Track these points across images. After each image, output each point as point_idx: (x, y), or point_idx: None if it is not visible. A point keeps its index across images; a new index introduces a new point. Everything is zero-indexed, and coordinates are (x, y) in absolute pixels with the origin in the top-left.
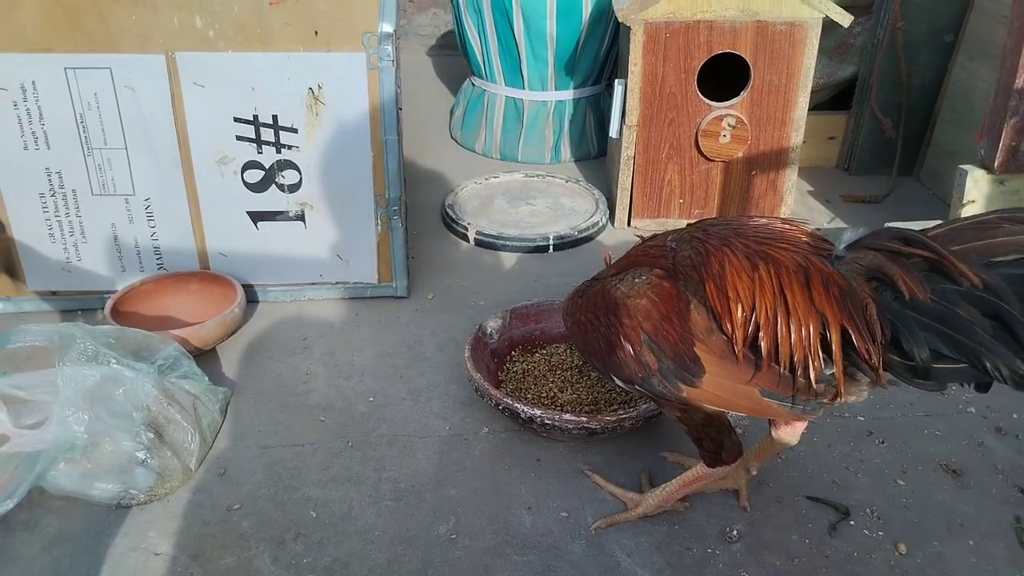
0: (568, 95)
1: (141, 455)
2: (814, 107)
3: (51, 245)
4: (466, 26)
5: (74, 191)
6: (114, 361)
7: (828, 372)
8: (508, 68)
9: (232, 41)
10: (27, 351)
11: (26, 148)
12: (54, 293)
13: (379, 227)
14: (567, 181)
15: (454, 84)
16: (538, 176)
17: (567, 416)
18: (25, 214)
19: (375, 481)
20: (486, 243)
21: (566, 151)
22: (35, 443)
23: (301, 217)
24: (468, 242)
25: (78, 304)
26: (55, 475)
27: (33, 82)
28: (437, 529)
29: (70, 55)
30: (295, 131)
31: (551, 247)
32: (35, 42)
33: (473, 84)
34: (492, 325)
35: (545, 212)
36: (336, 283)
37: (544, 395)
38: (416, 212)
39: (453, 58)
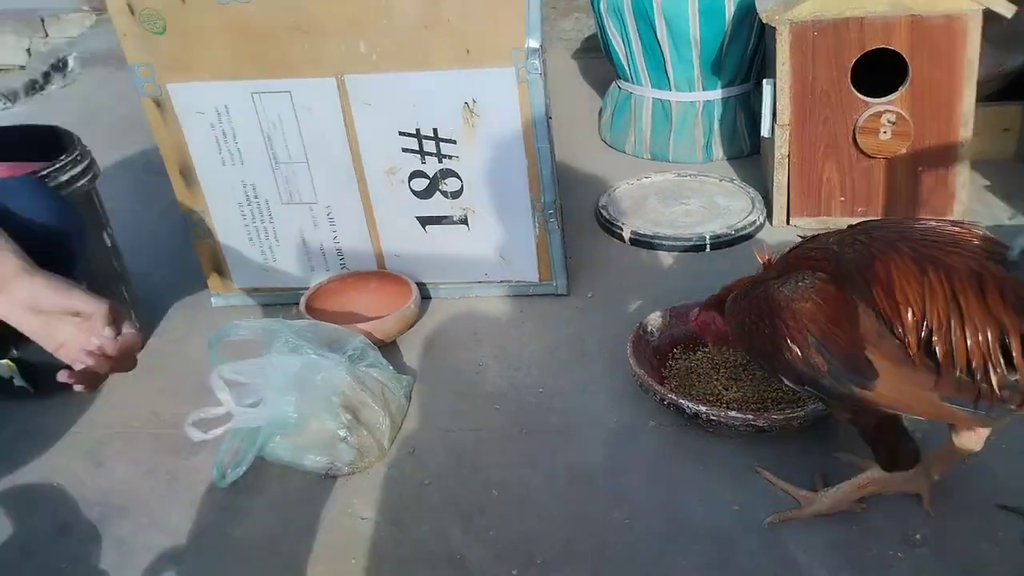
0: (716, 95)
1: (342, 433)
2: (984, 98)
3: (251, 248)
4: (609, 31)
5: (266, 201)
6: (312, 352)
7: (1012, 378)
8: (653, 71)
9: (393, 63)
10: (240, 343)
11: (224, 164)
12: (256, 290)
13: (537, 229)
14: (721, 180)
15: (601, 86)
16: (690, 175)
17: (733, 413)
18: (228, 222)
19: (550, 466)
20: (642, 242)
21: (718, 150)
22: (255, 419)
23: (464, 221)
24: (623, 242)
25: (276, 299)
26: (273, 447)
27: (226, 106)
28: (612, 514)
29: (255, 81)
30: (454, 142)
31: (708, 246)
32: (226, 71)
33: (619, 87)
34: (653, 323)
35: (700, 211)
36: (500, 281)
37: (709, 392)
38: (572, 213)
39: (598, 60)
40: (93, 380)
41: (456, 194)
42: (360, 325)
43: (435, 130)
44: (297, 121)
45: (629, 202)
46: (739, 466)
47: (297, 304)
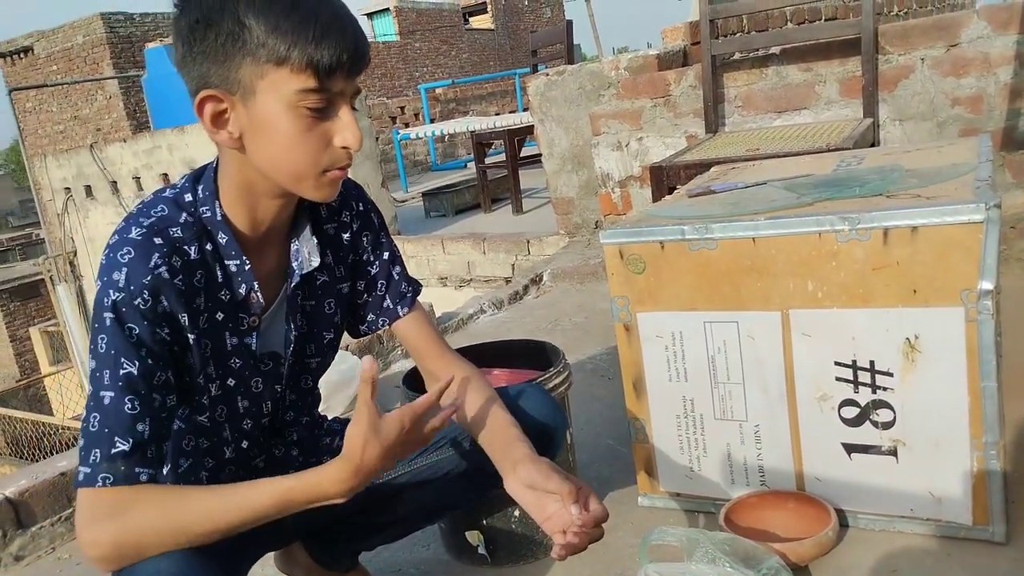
0: None
1: None
2: None
3: (679, 455)
4: None
5: (701, 415)
6: (728, 565)
7: None
8: None
9: (837, 300)
10: (664, 547)
11: (670, 380)
12: (679, 495)
13: (975, 469)
14: None
15: None
16: None
17: None
18: (663, 430)
19: None
20: None
21: None
22: None
23: (893, 452)
24: None
25: (696, 506)
26: None
27: (680, 332)
28: None
29: (708, 312)
30: (890, 375)
31: None
32: (685, 303)
33: None
34: None
35: None
36: (927, 519)
37: None
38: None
39: None
40: (572, 550)
41: (887, 425)
42: (775, 545)
43: (872, 362)
44: (740, 347)
45: None
46: None
47: (714, 513)
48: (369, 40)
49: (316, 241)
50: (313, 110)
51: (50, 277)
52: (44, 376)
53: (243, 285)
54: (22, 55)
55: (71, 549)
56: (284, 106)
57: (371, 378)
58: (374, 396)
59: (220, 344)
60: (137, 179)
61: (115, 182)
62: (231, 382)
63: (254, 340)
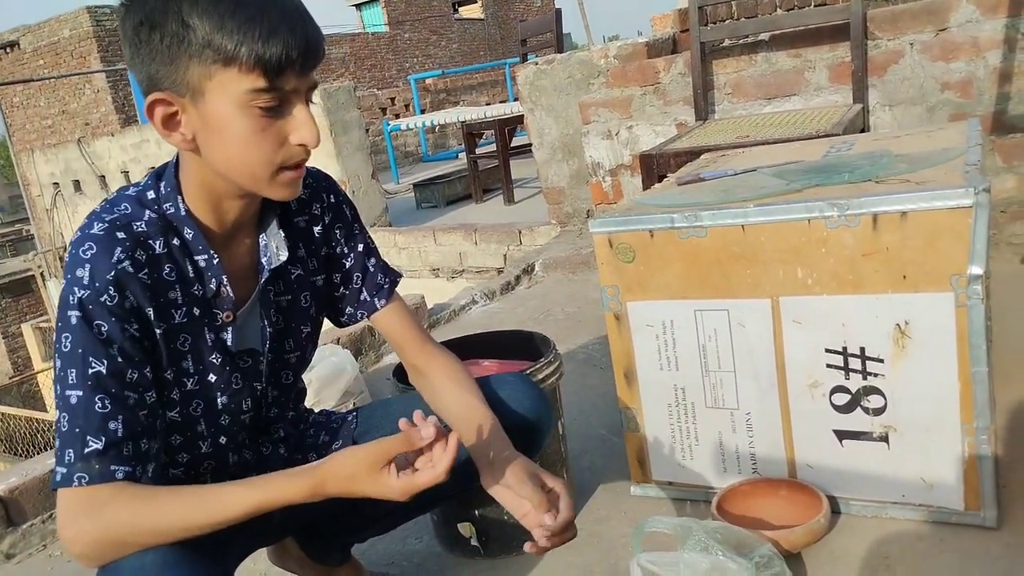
0: None
1: None
2: None
3: (671, 445)
4: None
5: (692, 404)
6: (721, 553)
7: None
8: None
9: (827, 287)
10: (656, 535)
11: (661, 369)
12: (671, 484)
13: (966, 454)
14: None
15: None
16: None
17: None
18: (655, 419)
19: None
20: None
21: None
22: None
23: (884, 439)
24: None
25: (688, 495)
26: None
27: (672, 321)
28: None
29: (699, 300)
30: (881, 361)
31: None
32: (676, 292)
33: None
34: None
35: None
36: (919, 505)
37: None
38: (1013, 438)
39: None
40: (544, 549)
41: (878, 411)
42: (767, 532)
43: (862, 348)
44: (730, 335)
45: None
46: None
47: (706, 502)
48: (358, 31)
49: (283, 234)
50: (266, 109)
51: (41, 273)
52: (37, 372)
53: (212, 280)
54: (8, 50)
55: (62, 547)
56: (235, 107)
57: (407, 445)
58: (392, 453)
59: (199, 340)
60: (125, 173)
61: (103, 176)
62: (211, 378)
63: (229, 336)
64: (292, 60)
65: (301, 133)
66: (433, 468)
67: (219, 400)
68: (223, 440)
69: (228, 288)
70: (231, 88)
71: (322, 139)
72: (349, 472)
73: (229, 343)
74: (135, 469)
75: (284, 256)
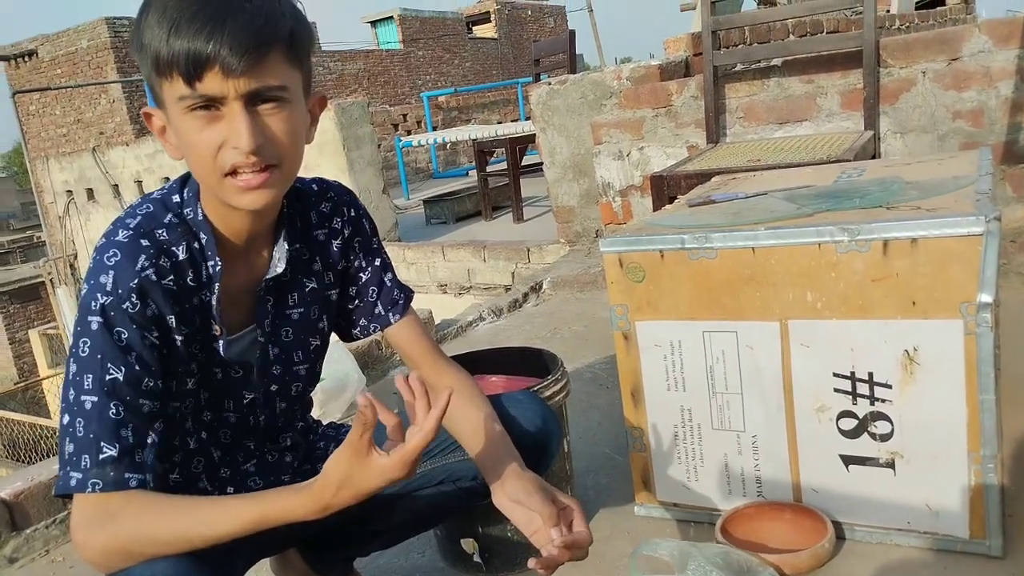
0: None
1: None
2: None
3: (677, 466)
4: None
5: (699, 425)
6: None
7: None
8: None
9: (836, 311)
10: (655, 560)
11: (668, 389)
12: (676, 505)
13: (972, 482)
14: None
15: None
16: None
17: None
18: (661, 439)
19: None
20: None
21: None
22: None
23: (891, 465)
24: None
25: (692, 516)
26: None
27: (680, 341)
28: None
29: (707, 321)
30: (889, 387)
31: None
32: (685, 313)
33: None
34: None
35: None
36: (924, 532)
37: None
38: (1021, 467)
39: None
40: (551, 564)
41: (885, 437)
42: (771, 556)
43: (870, 374)
44: (738, 357)
45: None
46: None
47: (711, 523)
48: (372, 47)
49: (287, 248)
50: (202, 114)
51: (51, 280)
52: (42, 379)
53: (216, 286)
54: (26, 58)
55: (65, 552)
56: (178, 113)
57: (365, 422)
58: (365, 435)
59: (211, 347)
60: (139, 183)
61: (117, 185)
62: (220, 386)
63: (221, 345)
64: (207, 62)
65: (230, 136)
66: (420, 430)
67: (227, 406)
68: (232, 448)
69: (216, 296)
70: (169, 96)
71: (334, 153)
72: (343, 474)
73: (221, 352)
74: (146, 476)
75: (280, 269)
